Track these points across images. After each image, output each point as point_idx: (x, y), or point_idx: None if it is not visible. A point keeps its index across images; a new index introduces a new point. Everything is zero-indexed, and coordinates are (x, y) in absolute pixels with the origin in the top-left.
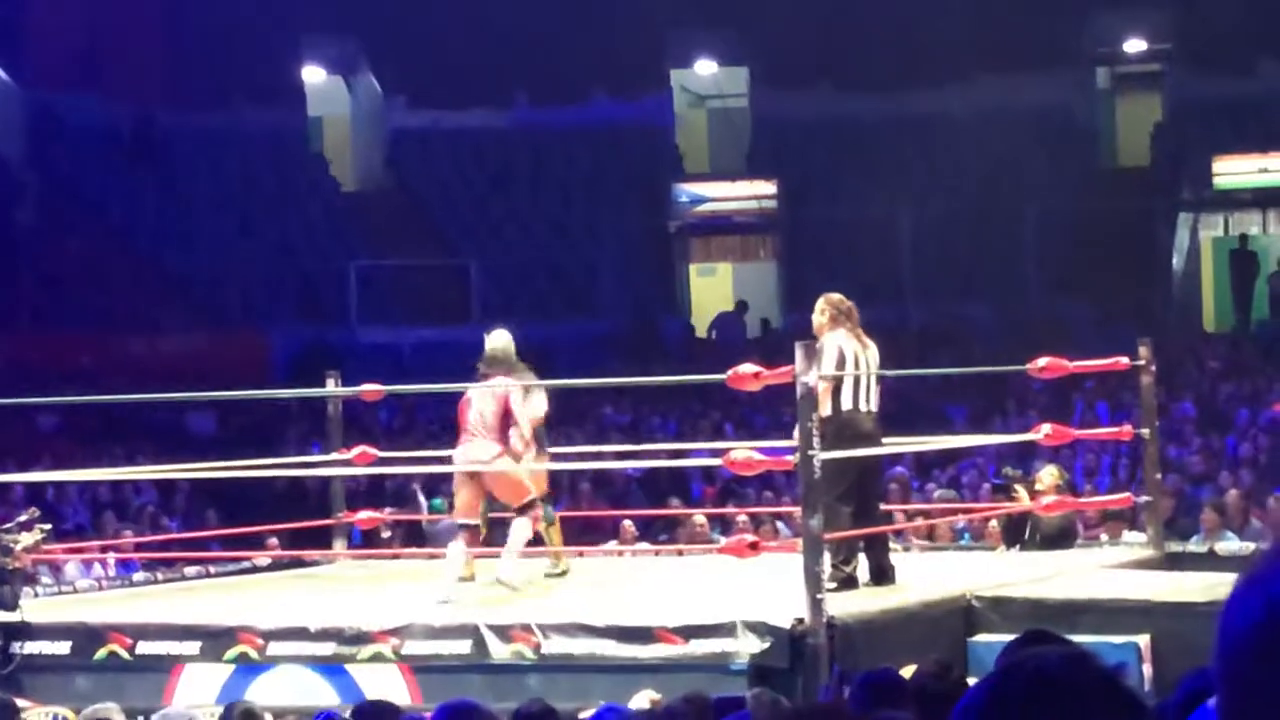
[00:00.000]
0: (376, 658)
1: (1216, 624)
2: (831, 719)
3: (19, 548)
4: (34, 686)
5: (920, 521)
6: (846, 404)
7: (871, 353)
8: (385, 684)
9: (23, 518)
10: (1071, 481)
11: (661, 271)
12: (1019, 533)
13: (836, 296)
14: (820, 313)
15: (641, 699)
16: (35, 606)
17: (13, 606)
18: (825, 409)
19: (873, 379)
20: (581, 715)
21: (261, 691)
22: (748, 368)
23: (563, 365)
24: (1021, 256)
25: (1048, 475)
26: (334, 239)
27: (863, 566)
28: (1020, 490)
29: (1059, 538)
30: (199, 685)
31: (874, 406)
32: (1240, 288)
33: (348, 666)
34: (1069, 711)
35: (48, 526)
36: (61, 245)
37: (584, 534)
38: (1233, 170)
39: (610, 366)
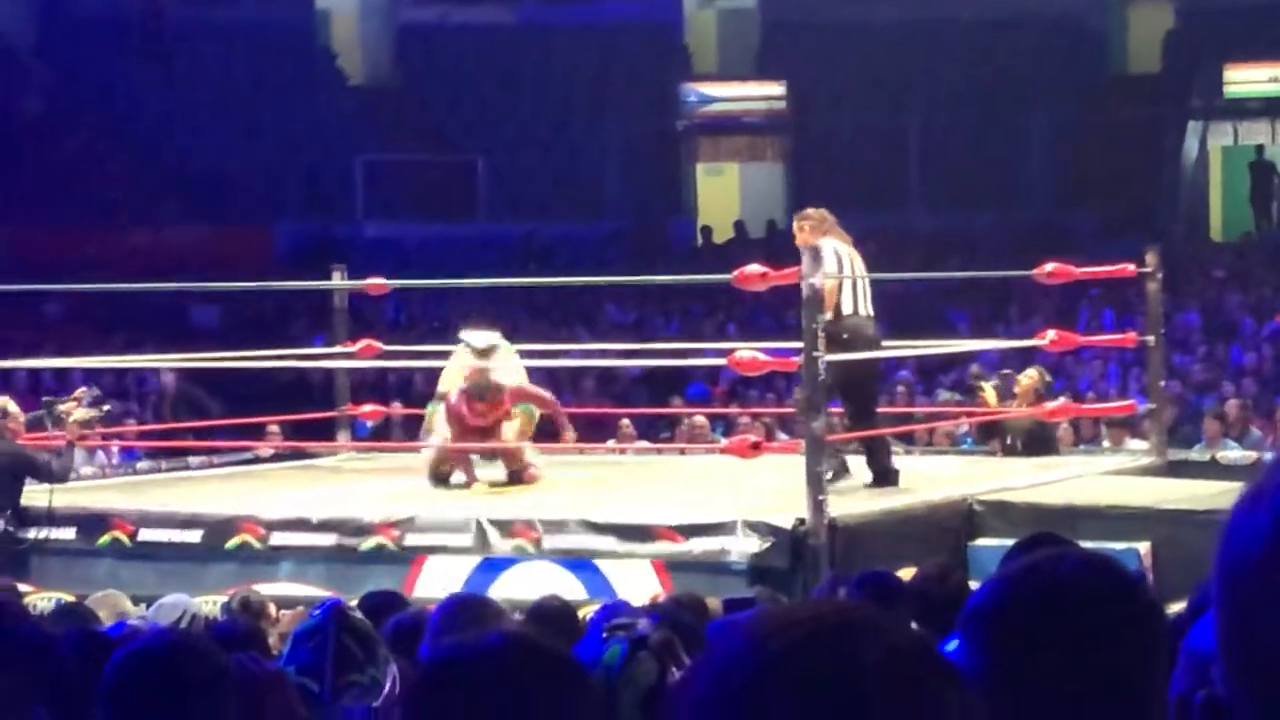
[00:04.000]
0: (378, 549)
1: (1218, 539)
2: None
3: (71, 419)
4: (38, 571)
5: (924, 424)
6: (847, 308)
7: (859, 259)
8: (635, 579)
9: (79, 393)
10: (1052, 384)
11: (668, 171)
12: (990, 436)
13: (812, 209)
14: (801, 229)
15: (644, 596)
16: (39, 492)
17: (63, 478)
18: (829, 313)
19: (867, 283)
20: (582, 612)
21: (509, 586)
22: (754, 268)
23: (568, 263)
24: (1029, 163)
25: (1026, 378)
26: (340, 133)
27: (864, 470)
28: (986, 389)
29: (1037, 443)
30: (443, 574)
31: (871, 310)
32: (1259, 198)
33: (598, 562)
34: (1086, 617)
35: (106, 407)
36: (67, 136)
37: (587, 431)
38: (1244, 79)
39: (615, 266)
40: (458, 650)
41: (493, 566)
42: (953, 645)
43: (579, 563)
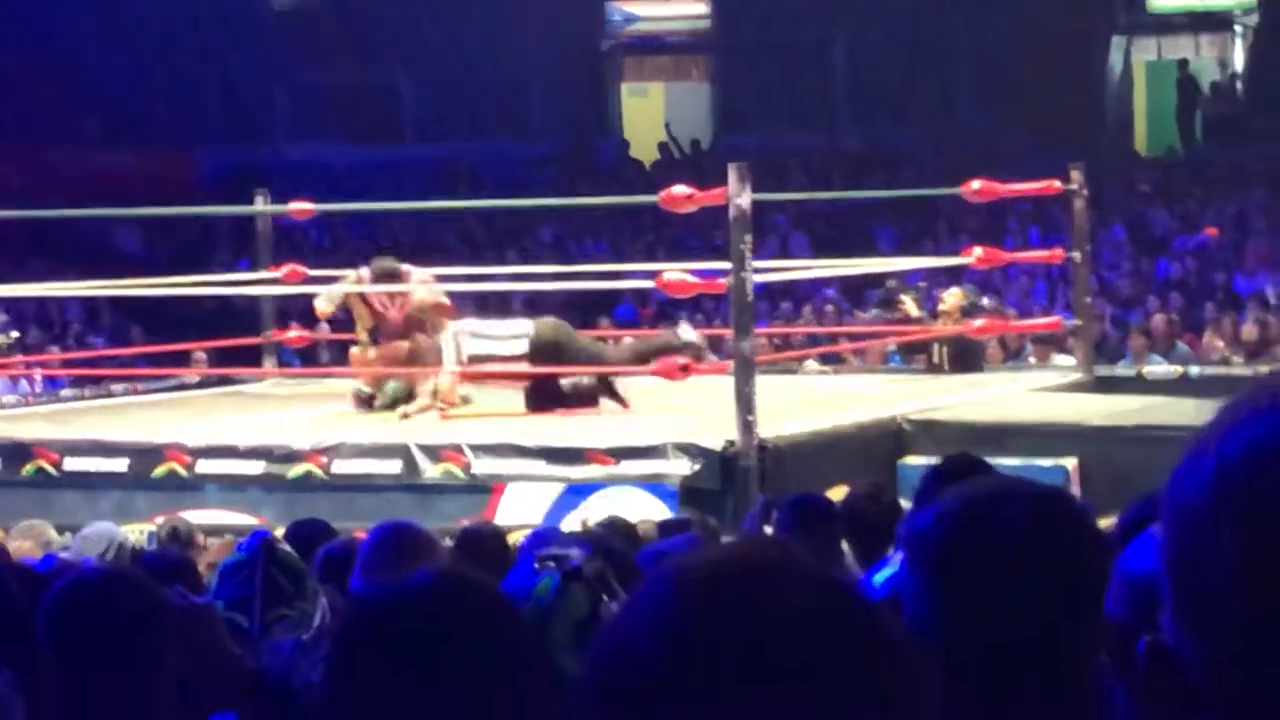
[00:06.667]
0: (307, 476)
1: (1167, 486)
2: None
3: None
4: None
5: (851, 344)
6: None
7: None
8: None
9: None
10: (976, 303)
11: (594, 92)
12: (915, 352)
13: None
14: None
15: (573, 520)
16: None
17: None
18: None
19: None
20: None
21: (595, 510)
22: (681, 190)
23: (496, 185)
24: (956, 79)
25: (950, 296)
26: (263, 56)
27: None
28: (906, 301)
29: (964, 360)
30: (526, 503)
31: None
32: (1184, 113)
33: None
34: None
35: (15, 334)
36: None
37: None
38: None
39: (543, 187)
40: (386, 589)
41: (578, 491)
42: (886, 572)
43: (658, 486)
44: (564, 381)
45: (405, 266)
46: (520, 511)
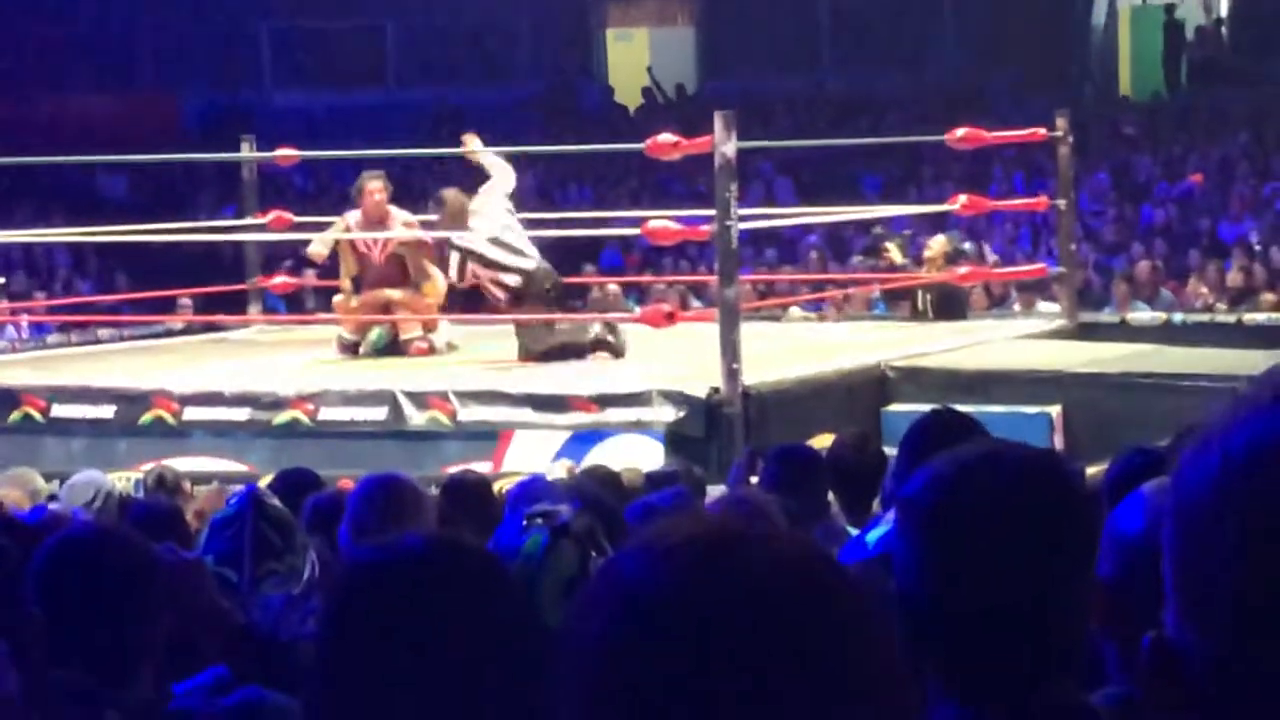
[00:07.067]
0: (292, 423)
1: (1172, 477)
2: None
3: None
4: None
5: (834, 291)
6: None
7: None
8: None
9: None
10: (960, 249)
11: (578, 36)
12: (899, 299)
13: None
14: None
15: (558, 468)
16: None
17: None
18: None
19: None
20: (497, 485)
21: (602, 458)
22: (666, 137)
23: (479, 129)
24: (940, 24)
25: (936, 243)
26: (246, 0)
27: None
28: (891, 248)
29: (948, 307)
30: (533, 450)
31: None
32: (1169, 58)
33: None
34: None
35: (1, 281)
36: None
37: None
38: None
39: (526, 131)
40: (376, 553)
41: (585, 439)
42: (878, 531)
43: (660, 434)
44: (559, 330)
45: (390, 208)
46: (527, 458)
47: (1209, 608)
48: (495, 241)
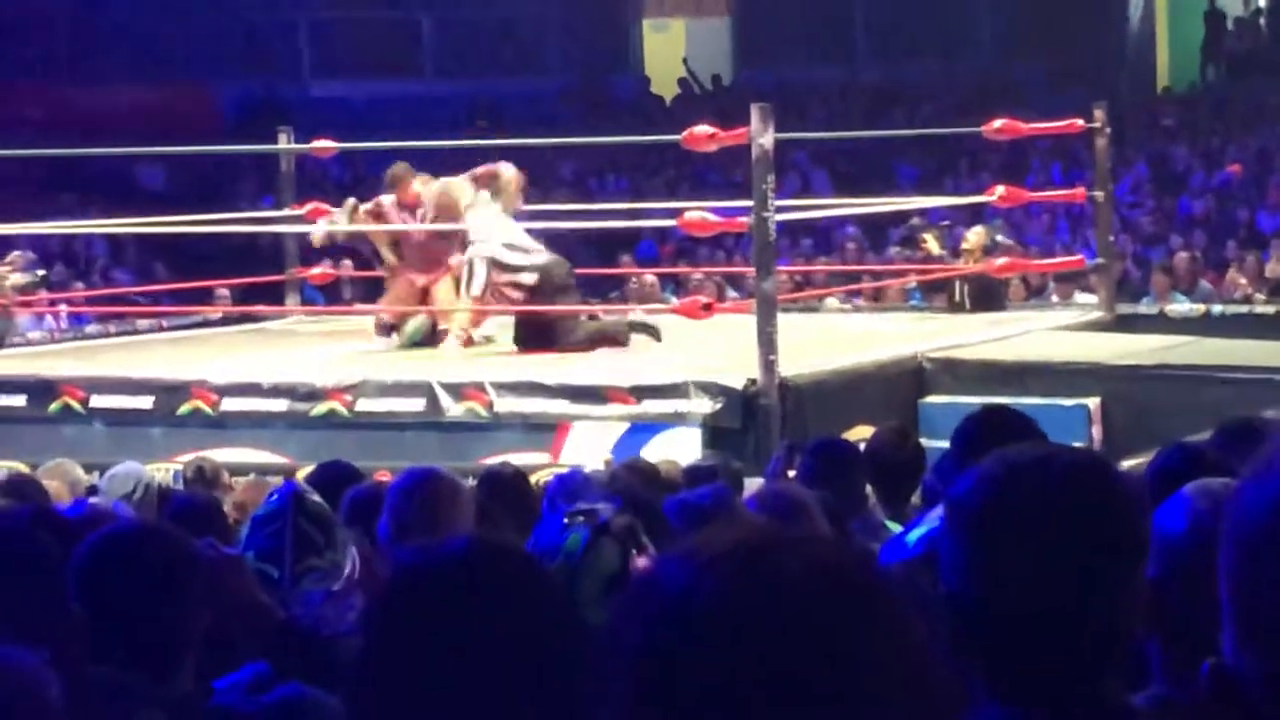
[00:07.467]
0: (330, 414)
1: (1228, 504)
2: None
3: (7, 284)
4: None
5: (869, 283)
6: None
7: None
8: None
9: (12, 257)
10: (998, 241)
11: (613, 27)
12: (936, 291)
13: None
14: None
15: (595, 460)
16: None
17: None
18: None
19: None
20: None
21: (659, 450)
22: (703, 129)
23: (515, 120)
24: (976, 14)
25: (974, 235)
26: None
27: None
28: (928, 239)
29: (985, 298)
30: (592, 442)
31: None
32: (1211, 47)
33: None
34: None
35: (42, 272)
36: None
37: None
38: None
39: (563, 122)
40: (420, 556)
41: (642, 430)
42: (920, 530)
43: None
44: (598, 318)
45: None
46: (586, 451)
47: (1269, 633)
48: (508, 245)
